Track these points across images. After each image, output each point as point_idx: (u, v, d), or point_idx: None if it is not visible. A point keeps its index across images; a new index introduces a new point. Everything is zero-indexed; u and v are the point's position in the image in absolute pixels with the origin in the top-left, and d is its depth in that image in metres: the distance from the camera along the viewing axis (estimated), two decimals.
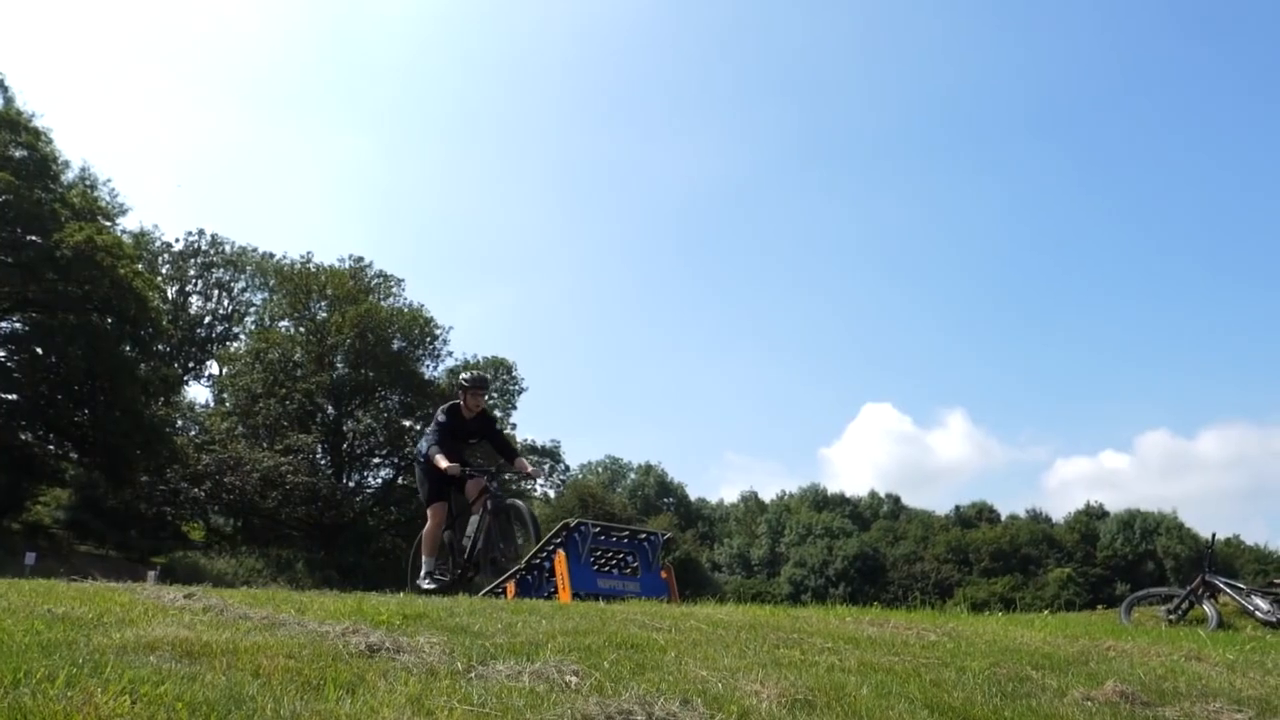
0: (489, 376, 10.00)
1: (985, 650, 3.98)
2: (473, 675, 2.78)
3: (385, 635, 3.29)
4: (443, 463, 7.78)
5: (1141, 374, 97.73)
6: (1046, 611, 11.34)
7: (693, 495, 77.76)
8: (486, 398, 8.54)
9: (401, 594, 5.98)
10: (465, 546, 8.23)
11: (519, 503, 8.16)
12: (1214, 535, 11.31)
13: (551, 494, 49.22)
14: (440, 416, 8.25)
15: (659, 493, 75.07)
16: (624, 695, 2.55)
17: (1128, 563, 62.34)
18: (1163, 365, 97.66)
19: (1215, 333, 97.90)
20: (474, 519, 8.16)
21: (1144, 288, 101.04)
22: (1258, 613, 9.88)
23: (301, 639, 3.15)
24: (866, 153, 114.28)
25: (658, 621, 4.44)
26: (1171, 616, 10.35)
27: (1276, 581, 10.58)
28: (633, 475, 76.60)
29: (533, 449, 47.67)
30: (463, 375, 8.58)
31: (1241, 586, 10.42)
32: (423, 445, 8.30)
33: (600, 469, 75.64)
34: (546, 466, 48.19)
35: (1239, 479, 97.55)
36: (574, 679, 2.74)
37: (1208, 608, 10.31)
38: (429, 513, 8.20)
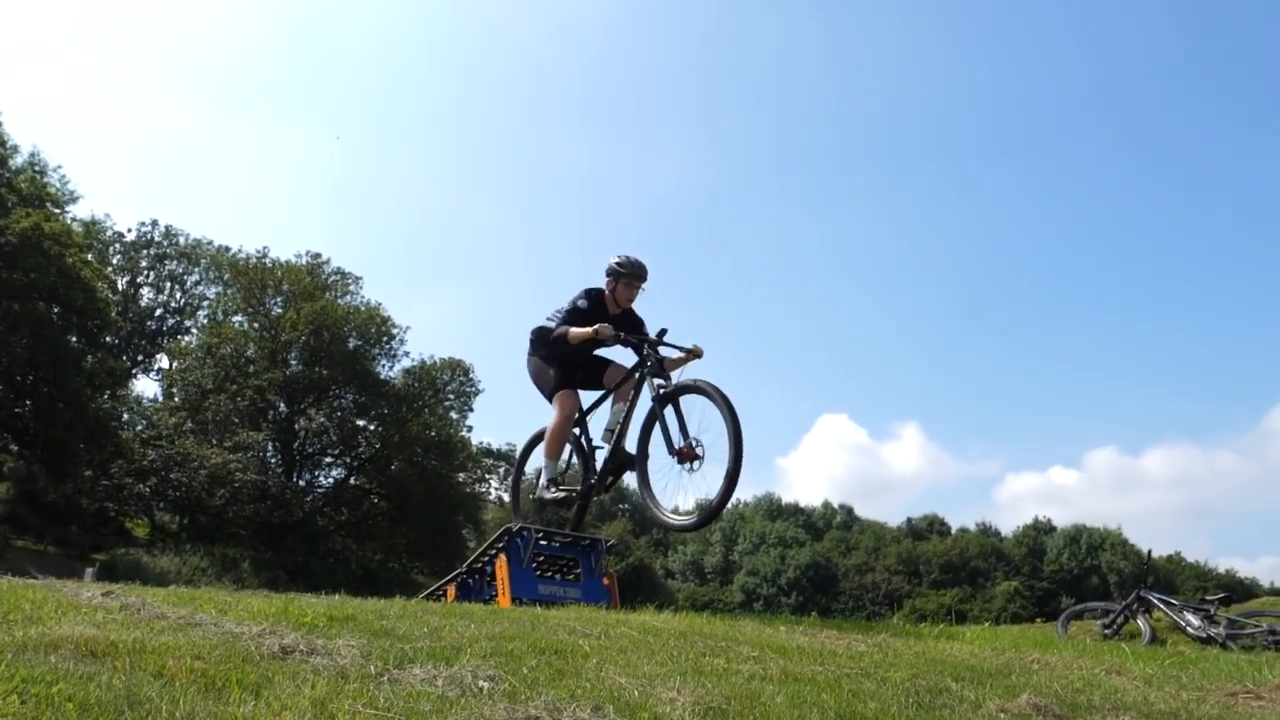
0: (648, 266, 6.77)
1: (910, 661, 4.01)
2: (385, 679, 2.73)
3: (301, 637, 3.23)
4: (579, 330, 6.26)
5: (1092, 393, 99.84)
6: (988, 623, 11.49)
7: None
8: (642, 291, 6.63)
9: (336, 596, 5.87)
10: (601, 447, 6.74)
11: (702, 381, 5.90)
12: (1149, 552, 11.59)
13: (505, 498, 48.90)
14: (580, 301, 6.57)
15: (614, 499, 74.88)
16: (534, 701, 2.52)
17: (1073, 577, 63.47)
18: (1113, 385, 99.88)
19: (1165, 356, 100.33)
20: (616, 407, 6.61)
21: (1099, 310, 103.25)
22: (1189, 628, 10.12)
23: (214, 640, 3.09)
24: (833, 165, 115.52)
25: (588, 628, 4.41)
26: (1107, 631, 10.57)
27: (1208, 598, 10.84)
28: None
29: (488, 452, 47.42)
30: (615, 258, 6.64)
31: (1174, 602, 10.66)
32: (548, 323, 6.76)
33: None
34: (502, 470, 47.90)
35: (1182, 498, 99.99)
36: (487, 684, 2.71)
37: (1141, 623, 10.53)
38: (555, 402, 6.71)
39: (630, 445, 6.47)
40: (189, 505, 36.88)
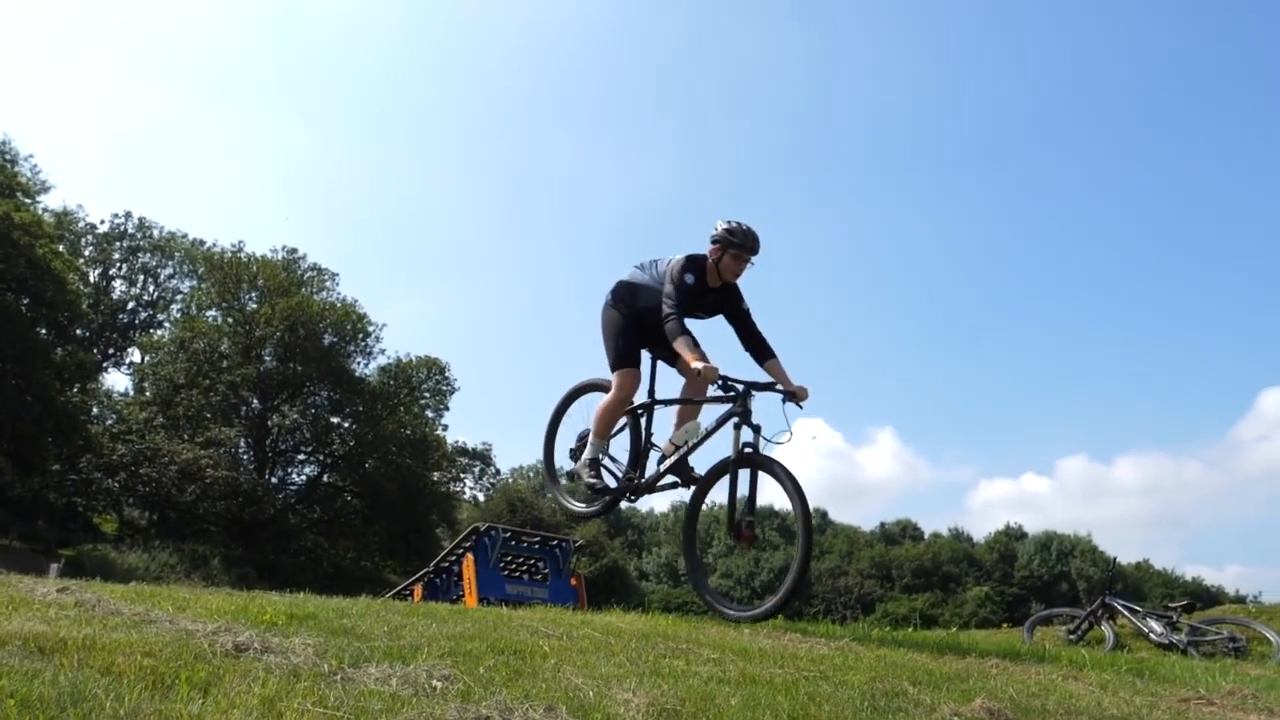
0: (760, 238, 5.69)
1: (871, 665, 4.03)
2: (338, 678, 2.72)
3: (256, 635, 3.20)
4: (687, 352, 5.39)
5: (1066, 400, 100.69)
6: (955, 628, 11.58)
7: (623, 504, 77.68)
8: (750, 266, 5.79)
9: (297, 594, 5.81)
10: (653, 449, 6.07)
11: (784, 467, 5.28)
12: (1114, 560, 11.75)
13: (481, 497, 48.79)
14: (688, 277, 5.69)
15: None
16: (486, 701, 2.52)
17: (1043, 583, 64.01)
18: (1087, 392, 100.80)
19: (1138, 364, 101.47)
20: (690, 426, 5.90)
21: (1074, 317, 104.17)
22: (1152, 634, 10.25)
23: (167, 637, 3.06)
24: (811, 170, 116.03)
25: (551, 628, 4.41)
26: (1072, 636, 10.68)
27: (1171, 606, 10.98)
28: (563, 481, 76.27)
29: (463, 451, 47.21)
30: (724, 224, 5.75)
31: (1138, 609, 10.79)
32: (644, 281, 5.97)
33: (532, 474, 75.21)
34: (477, 469, 47.75)
35: (1152, 506, 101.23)
36: (441, 684, 2.70)
37: (1106, 629, 10.67)
38: (615, 377, 5.94)
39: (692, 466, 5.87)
40: (159, 501, 36.50)
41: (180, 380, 38.51)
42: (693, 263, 5.81)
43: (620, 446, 6.24)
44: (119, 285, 47.14)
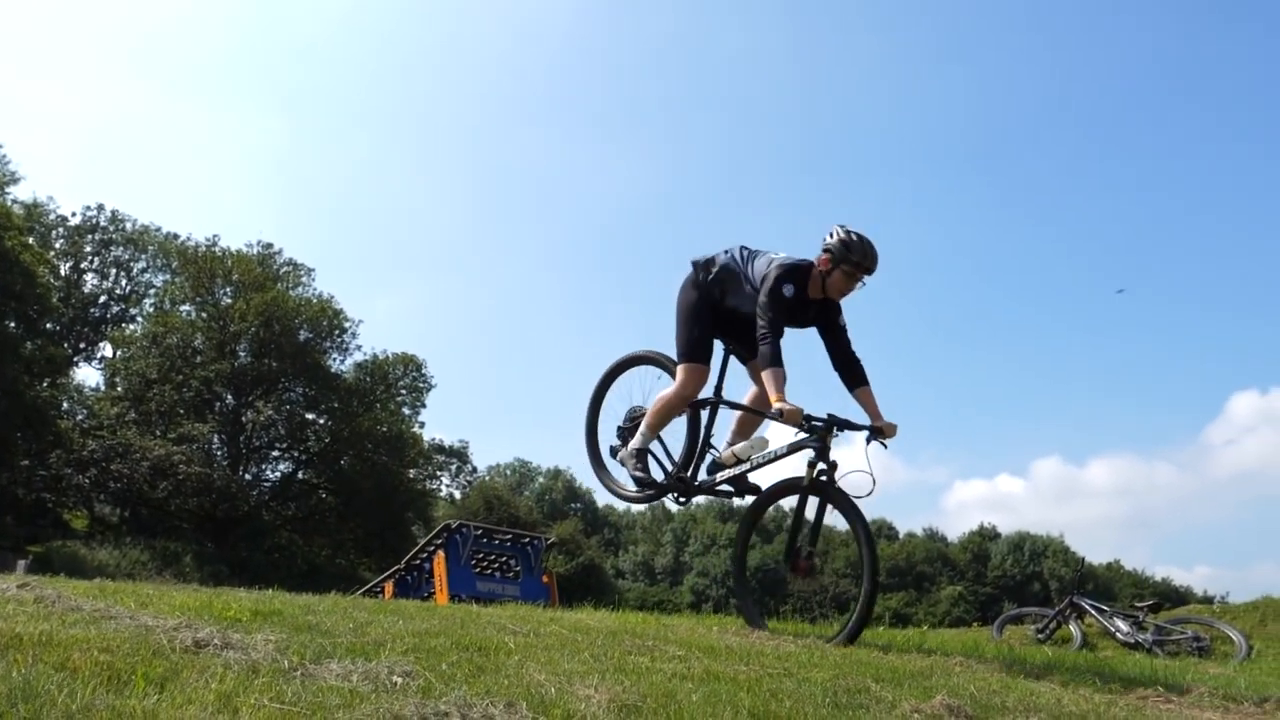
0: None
1: (836, 662, 4.06)
2: (298, 674, 2.70)
3: (217, 631, 3.18)
4: (772, 388, 4.94)
5: (1041, 402, 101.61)
6: (926, 627, 11.68)
7: (600, 502, 77.74)
8: (860, 286, 5.21)
9: (265, 591, 5.78)
10: (715, 450, 5.57)
11: (856, 505, 4.93)
12: (1083, 560, 11.94)
13: (457, 494, 48.63)
14: (786, 289, 5.11)
15: (566, 498, 74.86)
16: (446, 697, 2.51)
17: (1016, 583, 64.62)
18: (1061, 395, 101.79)
19: (1112, 367, 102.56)
20: (757, 439, 5.41)
21: (1051, 320, 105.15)
22: (1118, 634, 10.38)
23: (126, 633, 3.03)
24: (790, 169, 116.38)
25: (519, 625, 4.41)
26: (1040, 635, 10.79)
27: (1137, 605, 11.13)
28: (541, 479, 76.29)
29: (440, 448, 47.03)
30: (842, 232, 5.14)
31: (1105, 609, 10.92)
32: (729, 262, 5.42)
33: (508, 471, 75.15)
34: (454, 467, 47.59)
35: (1123, 507, 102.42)
36: (401, 680, 2.70)
37: (1073, 628, 10.79)
38: (680, 370, 5.44)
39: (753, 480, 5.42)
40: (130, 497, 36.10)
41: (153, 375, 38.10)
42: (795, 273, 5.19)
43: (672, 434, 5.74)
44: (90, 279, 46.64)
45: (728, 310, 5.48)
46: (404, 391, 44.72)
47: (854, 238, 5.12)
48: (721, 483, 5.45)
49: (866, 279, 5.19)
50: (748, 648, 4.37)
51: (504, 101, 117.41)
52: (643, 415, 5.73)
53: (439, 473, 46.87)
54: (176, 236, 45.53)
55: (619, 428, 5.96)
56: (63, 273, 43.83)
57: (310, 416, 42.23)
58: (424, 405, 45.24)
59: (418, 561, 7.82)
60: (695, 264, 5.56)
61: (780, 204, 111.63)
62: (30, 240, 34.19)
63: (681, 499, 5.65)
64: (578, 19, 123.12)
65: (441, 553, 7.27)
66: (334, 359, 42.99)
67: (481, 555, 7.91)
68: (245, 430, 40.73)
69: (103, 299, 46.85)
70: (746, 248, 5.48)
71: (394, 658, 3.06)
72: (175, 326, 39.53)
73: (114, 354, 42.62)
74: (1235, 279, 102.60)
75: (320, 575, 34.66)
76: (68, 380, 39.76)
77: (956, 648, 5.64)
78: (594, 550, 53.26)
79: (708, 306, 5.49)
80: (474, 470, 49.48)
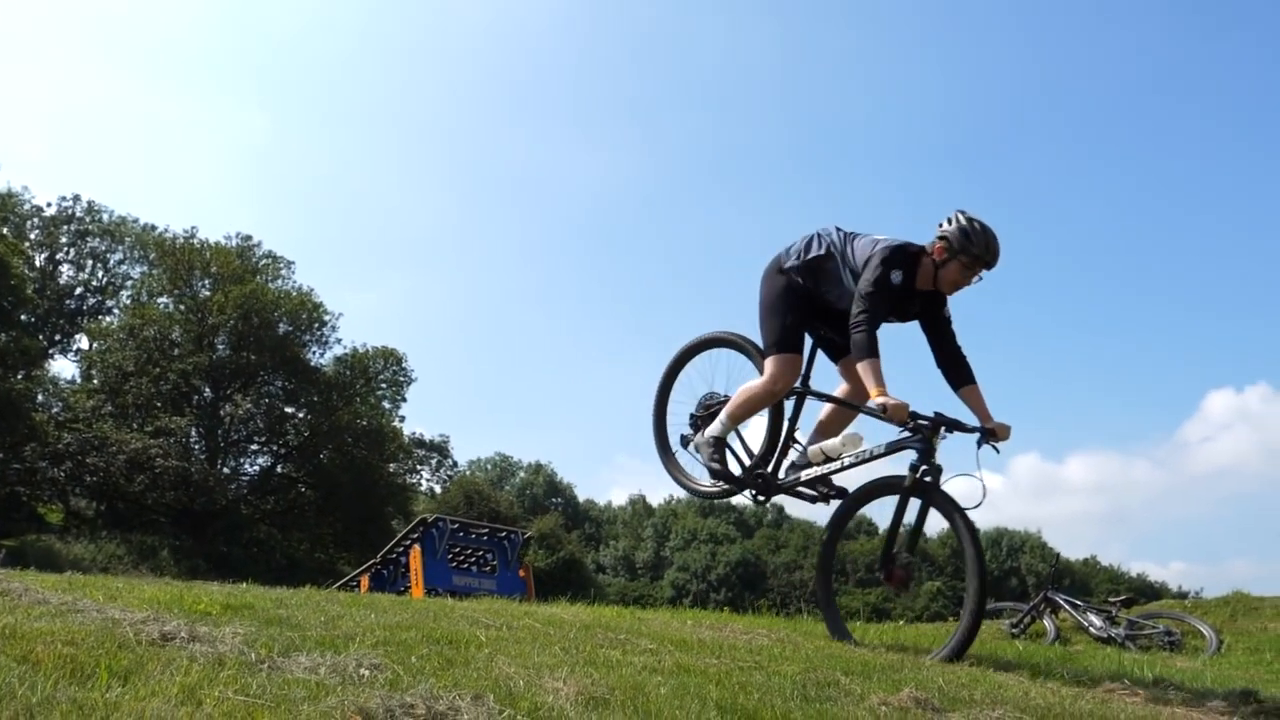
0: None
1: (807, 656, 4.08)
2: (265, 667, 2.69)
3: (184, 624, 3.16)
4: (871, 381, 4.51)
5: (1020, 399, 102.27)
6: (901, 621, 11.76)
7: (581, 496, 77.76)
8: (977, 281, 4.75)
9: (238, 584, 5.74)
10: (800, 445, 5.09)
11: (964, 511, 4.50)
12: (1058, 555, 12.03)
13: (437, 489, 48.47)
14: (894, 275, 4.63)
15: (547, 492, 74.78)
16: (413, 690, 2.51)
17: (994, 578, 65.12)
18: (1041, 392, 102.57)
19: (1092, 364, 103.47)
20: (851, 435, 4.86)
21: (1034, 315, 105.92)
22: (1091, 628, 10.47)
23: (91, 626, 3.01)
24: (776, 167, 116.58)
25: (492, 619, 4.41)
26: (1014, 630, 10.87)
27: (1111, 600, 11.24)
28: (522, 474, 76.16)
29: (420, 443, 46.87)
30: (962, 219, 4.66)
31: (1079, 603, 11.02)
32: (823, 241, 4.90)
33: (489, 466, 74.96)
34: (434, 461, 47.44)
35: (1100, 503, 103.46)
36: (368, 672, 2.69)
37: (1047, 622, 10.87)
38: (770, 363, 4.92)
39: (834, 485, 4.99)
40: (106, 491, 35.78)
41: (129, 368, 37.74)
42: (905, 257, 4.67)
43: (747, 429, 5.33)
44: (66, 270, 46.10)
45: (820, 300, 4.95)
46: (384, 385, 44.53)
47: (975, 226, 4.64)
48: (806, 482, 4.96)
49: (985, 273, 4.73)
50: (720, 642, 4.39)
51: (483, 96, 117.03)
52: (720, 403, 5.25)
53: (419, 467, 46.73)
54: (154, 228, 45.03)
55: (692, 415, 5.49)
56: (38, 264, 43.31)
57: (289, 410, 41.97)
58: (404, 399, 45.10)
59: (394, 555, 7.78)
60: (790, 253, 5.02)
61: (763, 200, 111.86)
62: (4, 231, 33.80)
63: (760, 496, 5.11)
64: (558, 13, 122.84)
65: (417, 547, 7.25)
66: (313, 352, 42.76)
67: (458, 549, 7.89)
68: (223, 424, 40.44)
69: (79, 291, 46.34)
70: (841, 228, 4.94)
71: (363, 651, 3.06)
72: (153, 319, 39.13)
73: (90, 346, 42.21)
74: (1212, 278, 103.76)
75: (299, 569, 34.48)
76: (43, 373, 39.33)
77: (929, 642, 5.68)
78: (574, 545, 53.23)
79: (800, 293, 4.94)
80: (454, 465, 49.38)
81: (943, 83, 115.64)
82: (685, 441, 5.47)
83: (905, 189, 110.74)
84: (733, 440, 5.22)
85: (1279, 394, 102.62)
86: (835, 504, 5.00)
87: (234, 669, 2.58)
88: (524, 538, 7.84)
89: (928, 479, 4.51)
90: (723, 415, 5.12)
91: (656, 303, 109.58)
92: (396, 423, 44.83)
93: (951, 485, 4.56)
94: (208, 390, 40.25)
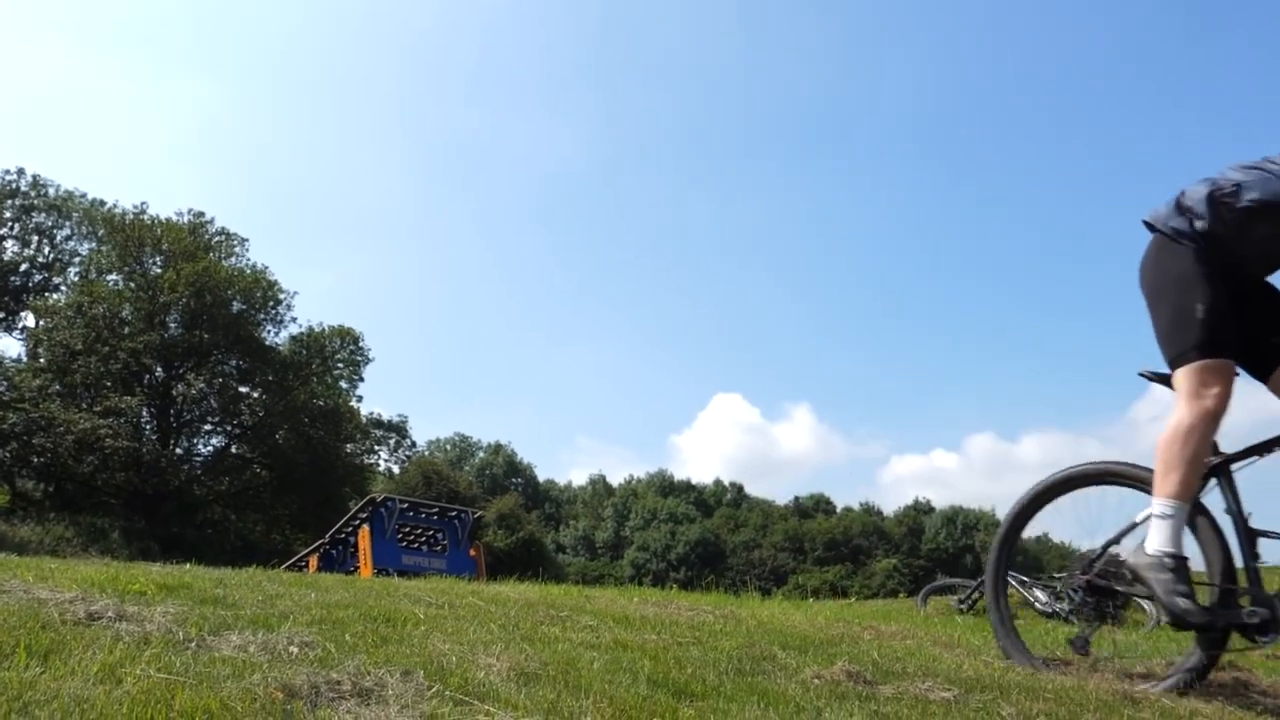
0: None
1: (747, 631, 4.12)
2: (192, 645, 2.66)
3: (113, 604, 3.11)
4: None
5: (976, 379, 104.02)
6: (855, 598, 11.94)
7: (541, 477, 77.85)
8: None
9: (181, 565, 5.66)
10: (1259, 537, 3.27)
11: None
12: None
13: (396, 469, 48.17)
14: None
15: (507, 473, 74.70)
16: (340, 666, 2.50)
17: (949, 555, 66.40)
18: (996, 372, 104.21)
19: (1046, 344, 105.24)
20: None
21: (991, 296, 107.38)
22: (1037, 604, 10.69)
23: (14, 606, 2.95)
24: (735, 147, 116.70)
25: (434, 598, 4.40)
26: (962, 606, 11.08)
27: (1056, 575, 11.47)
28: (481, 454, 75.97)
29: (378, 423, 46.51)
30: None
31: (1025, 579, 11.23)
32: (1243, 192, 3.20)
33: (448, 446, 74.67)
34: (392, 442, 47.11)
35: None
36: (298, 650, 2.67)
37: None
38: (1187, 376, 3.31)
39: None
40: (54, 472, 35.09)
41: (78, 346, 36.92)
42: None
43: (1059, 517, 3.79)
44: (10, 246, 44.81)
45: (1242, 280, 3.40)
46: (341, 365, 44.08)
47: None
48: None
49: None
50: (663, 618, 4.42)
51: (437, 69, 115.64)
52: (1111, 558, 3.62)
53: (377, 447, 46.40)
54: (103, 204, 43.95)
55: (1085, 557, 3.84)
56: None
57: (244, 390, 41.41)
58: (361, 379, 44.73)
59: (343, 535, 7.74)
60: (1180, 212, 3.47)
61: (721, 175, 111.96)
62: None
63: (1260, 637, 3.16)
64: None
65: (366, 527, 7.19)
66: (268, 331, 42.17)
67: (408, 529, 7.86)
68: (176, 403, 39.79)
69: (24, 267, 45.11)
70: (1255, 162, 3.30)
71: (297, 629, 3.03)
72: (102, 296, 38.28)
73: (36, 324, 41.14)
74: None
75: (255, 551, 34.09)
76: None
77: (874, 618, 5.77)
78: (534, 525, 53.28)
79: (1219, 273, 3.33)
80: (413, 445, 49.09)
81: (904, 63, 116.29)
82: (1054, 615, 3.93)
83: (867, 172, 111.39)
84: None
85: None
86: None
87: (159, 647, 2.55)
88: (475, 517, 7.82)
89: None
90: (1157, 498, 3.30)
91: (616, 279, 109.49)
92: (354, 403, 44.47)
93: None
94: (159, 370, 39.54)
